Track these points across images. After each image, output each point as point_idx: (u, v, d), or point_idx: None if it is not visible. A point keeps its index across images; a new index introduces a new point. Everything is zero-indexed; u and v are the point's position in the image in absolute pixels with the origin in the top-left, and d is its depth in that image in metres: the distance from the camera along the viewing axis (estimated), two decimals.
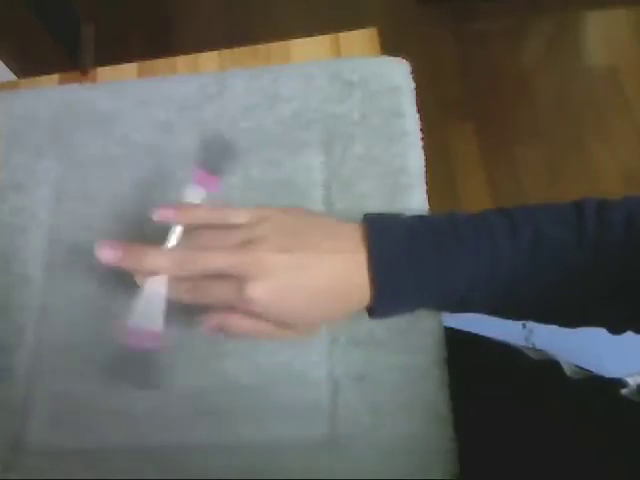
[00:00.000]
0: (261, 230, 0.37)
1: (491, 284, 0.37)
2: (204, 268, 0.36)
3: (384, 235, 0.38)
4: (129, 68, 0.56)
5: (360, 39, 0.54)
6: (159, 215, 0.37)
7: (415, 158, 0.47)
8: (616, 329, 0.39)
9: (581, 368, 0.54)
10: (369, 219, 0.39)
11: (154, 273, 0.37)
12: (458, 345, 0.43)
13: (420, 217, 0.40)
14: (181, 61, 0.56)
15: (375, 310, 0.38)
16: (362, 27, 0.54)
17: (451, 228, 0.38)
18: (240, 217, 0.38)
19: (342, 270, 0.37)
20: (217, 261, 0.36)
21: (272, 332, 0.39)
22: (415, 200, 0.46)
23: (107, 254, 0.37)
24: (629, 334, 0.38)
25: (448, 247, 0.37)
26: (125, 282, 0.45)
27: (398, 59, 0.51)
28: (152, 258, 0.37)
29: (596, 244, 0.36)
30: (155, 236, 0.45)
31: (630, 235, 0.36)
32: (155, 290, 0.37)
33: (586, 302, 0.37)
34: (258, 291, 0.35)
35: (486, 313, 0.40)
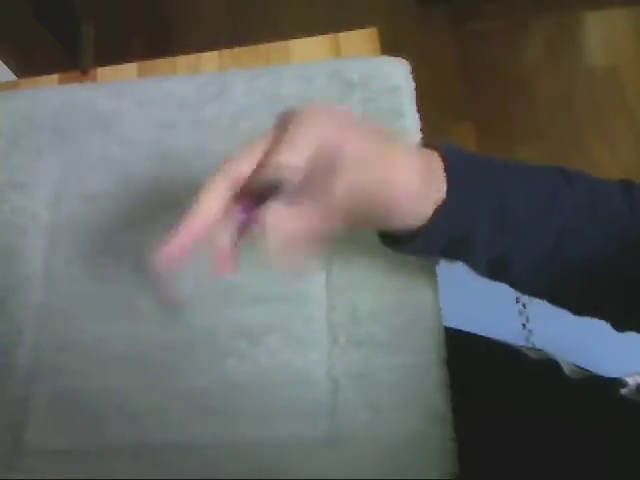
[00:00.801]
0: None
1: (544, 227, 0.35)
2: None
3: (455, 153, 0.35)
4: (129, 68, 0.56)
5: (360, 39, 0.54)
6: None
7: None
8: (622, 325, 0.38)
9: (581, 368, 0.55)
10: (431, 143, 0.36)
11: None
12: (458, 345, 0.43)
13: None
14: (181, 61, 0.56)
15: (430, 227, 0.34)
16: (362, 27, 0.54)
17: (510, 165, 0.36)
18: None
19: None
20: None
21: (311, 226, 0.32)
22: None
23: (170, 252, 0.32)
24: (628, 334, 0.38)
25: (510, 177, 0.36)
26: (125, 282, 0.46)
27: (398, 59, 0.51)
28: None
29: None
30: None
31: None
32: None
33: (616, 282, 0.36)
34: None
35: (512, 280, 0.38)
